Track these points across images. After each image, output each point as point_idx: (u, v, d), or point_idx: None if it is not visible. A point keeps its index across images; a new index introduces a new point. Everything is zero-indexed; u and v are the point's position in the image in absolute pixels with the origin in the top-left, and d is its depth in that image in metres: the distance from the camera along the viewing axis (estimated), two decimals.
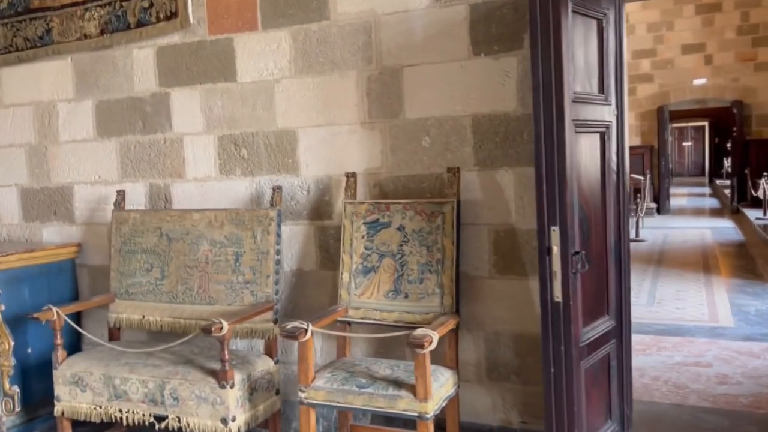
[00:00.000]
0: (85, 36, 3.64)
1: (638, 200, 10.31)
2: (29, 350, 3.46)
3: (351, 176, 3.04)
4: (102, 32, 3.59)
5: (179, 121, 3.49)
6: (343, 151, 3.14)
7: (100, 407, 3.00)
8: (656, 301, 5.97)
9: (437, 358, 2.61)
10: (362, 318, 2.92)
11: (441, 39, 2.89)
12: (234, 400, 2.78)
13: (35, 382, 3.47)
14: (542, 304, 2.34)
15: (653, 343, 4.61)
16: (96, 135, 3.71)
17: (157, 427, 2.89)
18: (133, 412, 2.94)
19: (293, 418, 3.30)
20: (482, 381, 2.96)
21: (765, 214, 10.18)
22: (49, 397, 3.43)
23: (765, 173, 10.45)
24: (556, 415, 2.35)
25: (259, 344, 3.36)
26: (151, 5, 3.44)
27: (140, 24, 3.50)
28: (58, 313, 3.08)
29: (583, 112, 2.43)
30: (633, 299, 3.17)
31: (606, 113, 2.60)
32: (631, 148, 8.46)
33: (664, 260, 8.10)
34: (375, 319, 2.89)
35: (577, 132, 2.38)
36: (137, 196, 3.62)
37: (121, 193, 3.51)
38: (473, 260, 2.91)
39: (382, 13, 2.99)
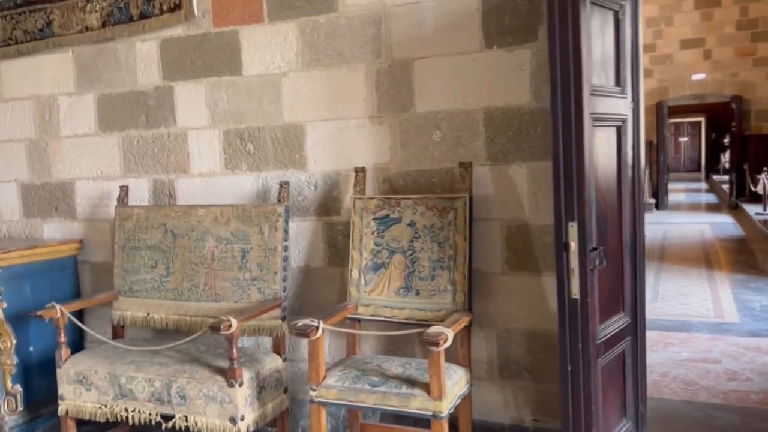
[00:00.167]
0: (87, 28, 3.57)
1: None
2: (31, 348, 3.40)
3: (360, 171, 2.99)
4: (104, 25, 3.52)
5: (183, 116, 3.42)
6: (352, 145, 3.08)
7: (106, 406, 2.95)
8: (660, 296, 5.95)
9: (450, 355, 2.57)
10: (372, 315, 2.87)
11: (452, 31, 2.84)
12: (243, 399, 2.73)
13: (37, 381, 3.42)
14: (559, 301, 2.30)
15: (659, 339, 4.58)
16: (98, 129, 3.64)
17: (163, 426, 2.84)
18: (139, 411, 2.89)
19: (300, 416, 3.26)
20: (494, 379, 2.92)
21: (765, 209, 10.17)
22: (51, 396, 3.38)
23: (765, 168, 10.43)
24: (573, 414, 2.31)
25: (266, 342, 3.32)
26: None
27: (143, 16, 3.43)
28: (61, 310, 3.03)
29: (600, 106, 2.39)
30: None
31: (622, 107, 2.56)
32: None
33: (666, 256, 8.08)
34: (385, 317, 2.85)
35: (594, 126, 2.34)
36: (140, 192, 3.56)
37: (124, 189, 3.45)
38: (485, 256, 2.87)
39: (391, 4, 2.94)
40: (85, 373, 2.98)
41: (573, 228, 2.25)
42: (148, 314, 3.28)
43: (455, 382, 2.54)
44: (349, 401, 2.51)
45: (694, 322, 5.01)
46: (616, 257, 2.56)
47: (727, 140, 18.87)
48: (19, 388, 3.29)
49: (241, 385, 2.72)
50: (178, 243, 3.26)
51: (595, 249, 2.30)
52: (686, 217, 12.04)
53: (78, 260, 3.73)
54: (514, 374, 2.88)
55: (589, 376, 2.30)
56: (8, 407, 3.28)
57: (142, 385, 2.87)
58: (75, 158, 3.72)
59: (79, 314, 3.48)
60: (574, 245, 2.25)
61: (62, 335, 3.04)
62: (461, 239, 2.73)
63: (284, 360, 3.04)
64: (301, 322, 2.56)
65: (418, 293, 2.80)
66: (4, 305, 3.25)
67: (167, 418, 2.84)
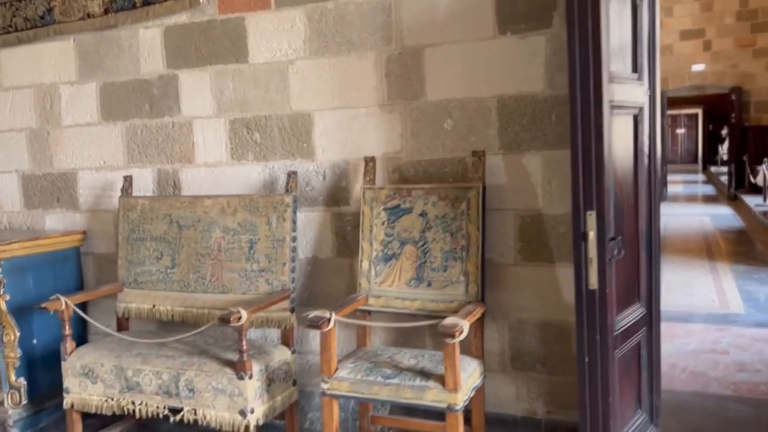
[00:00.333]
0: (89, 15, 3.50)
1: None
2: (35, 341, 3.35)
3: (370, 161, 2.94)
4: (106, 11, 3.45)
5: (188, 104, 3.36)
6: (361, 134, 3.03)
7: (112, 399, 2.90)
8: (664, 288, 5.91)
9: (463, 347, 2.52)
10: (383, 307, 2.83)
11: (465, 17, 2.79)
12: (252, 392, 2.69)
13: (41, 374, 3.37)
14: (577, 292, 2.26)
15: (666, 330, 4.51)
16: (100, 119, 3.58)
17: (171, 419, 2.80)
18: (146, 404, 2.84)
19: (309, 409, 3.22)
20: (506, 370, 2.88)
21: (765, 200, 10.17)
22: (55, 389, 3.33)
23: (765, 159, 10.41)
24: (590, 406, 2.28)
25: (273, 334, 3.28)
26: None
27: (146, 3, 3.36)
28: (66, 302, 2.98)
29: (618, 93, 2.34)
30: None
31: (639, 94, 2.51)
32: None
33: (667, 247, 8.05)
34: (396, 308, 2.81)
35: (612, 113, 2.29)
36: (144, 182, 3.50)
37: (128, 179, 3.39)
38: (498, 247, 2.83)
39: None
40: (91, 366, 2.93)
41: (592, 217, 2.21)
42: (154, 306, 3.23)
43: (469, 374, 2.50)
44: (362, 394, 2.48)
45: (700, 314, 4.99)
46: (632, 247, 2.52)
47: (724, 132, 18.89)
48: (23, 381, 3.25)
49: (250, 377, 2.68)
50: (184, 234, 3.21)
51: (613, 239, 2.27)
52: (685, 209, 12.03)
53: (81, 252, 3.68)
54: (527, 366, 2.85)
55: (606, 368, 2.27)
56: (12, 400, 3.24)
57: (149, 377, 2.83)
58: (77, 148, 3.66)
59: (83, 306, 3.43)
60: (592, 235, 2.21)
61: (67, 327, 2.99)
62: (474, 229, 2.68)
63: (293, 352, 3.00)
64: (312, 314, 2.52)
65: (429, 284, 2.76)
66: (7, 297, 3.21)
67: (175, 411, 2.80)
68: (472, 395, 2.53)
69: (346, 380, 2.50)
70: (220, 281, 3.12)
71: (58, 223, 3.77)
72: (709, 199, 13.84)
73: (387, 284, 2.83)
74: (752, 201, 10.72)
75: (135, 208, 3.32)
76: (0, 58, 3.78)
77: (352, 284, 3.10)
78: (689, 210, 11.78)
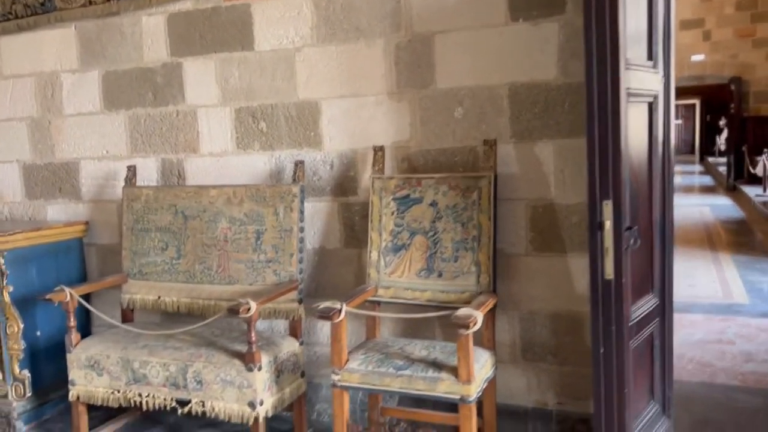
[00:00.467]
0: (90, 2, 3.44)
1: None
2: (38, 333, 3.32)
3: (379, 150, 2.90)
4: None
5: (193, 93, 3.31)
6: (369, 123, 2.99)
7: (118, 391, 2.87)
8: None
9: (474, 338, 2.48)
10: (393, 297, 2.80)
11: (476, 3, 2.74)
12: (262, 383, 2.66)
13: (45, 366, 3.34)
14: (592, 283, 2.24)
15: None
16: (103, 108, 3.53)
17: (179, 411, 2.77)
18: (153, 396, 2.81)
19: (316, 400, 3.20)
20: (517, 362, 2.86)
21: (765, 191, 10.16)
22: (59, 381, 3.31)
23: (765, 150, 10.40)
24: (605, 398, 2.26)
25: (279, 325, 3.25)
26: None
27: None
28: (71, 294, 2.94)
29: (633, 81, 2.30)
30: None
31: (654, 82, 2.47)
32: None
33: None
34: (406, 299, 2.78)
35: (628, 101, 2.26)
36: (148, 172, 3.46)
37: (131, 169, 3.35)
38: (509, 237, 2.80)
39: None
40: (97, 358, 2.90)
41: (608, 206, 2.18)
42: (159, 297, 3.19)
43: (482, 366, 2.48)
44: (374, 385, 2.45)
45: (704, 304, 4.98)
46: (646, 237, 2.49)
47: (722, 122, 18.88)
48: (27, 373, 3.21)
49: (260, 369, 2.65)
50: (190, 224, 3.17)
51: (629, 228, 2.24)
52: (685, 199, 12.02)
53: (84, 242, 3.63)
54: (538, 357, 2.83)
55: (622, 359, 2.25)
56: (16, 393, 3.21)
57: (156, 369, 2.80)
58: (79, 137, 3.61)
59: (86, 298, 3.38)
60: (608, 224, 2.18)
61: (72, 319, 2.95)
62: (486, 219, 2.65)
63: (301, 343, 2.97)
64: (323, 305, 2.49)
65: (440, 275, 2.73)
66: (11, 289, 3.17)
67: (183, 403, 2.77)
68: (484, 386, 2.51)
69: (357, 372, 2.47)
70: (227, 272, 3.08)
71: (60, 214, 3.72)
72: (707, 190, 13.84)
73: (397, 275, 2.80)
74: (752, 191, 10.72)
75: (139, 198, 3.28)
76: (0, 46, 3.72)
77: (360, 275, 3.07)
78: (688, 201, 11.77)
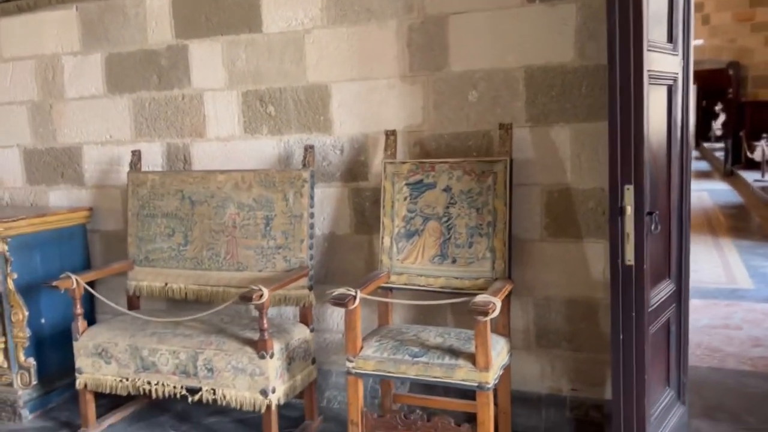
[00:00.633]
0: None
1: None
2: (43, 320, 3.27)
3: (391, 134, 2.85)
4: None
5: (199, 76, 3.25)
6: (381, 107, 2.94)
7: (127, 379, 2.84)
8: None
9: (490, 325, 2.47)
10: (405, 284, 2.77)
11: None
12: (274, 371, 2.63)
13: (50, 354, 3.30)
14: (612, 268, 2.20)
15: None
16: (106, 91, 3.46)
17: (190, 399, 2.74)
18: (163, 384, 2.78)
19: (326, 387, 3.18)
20: (530, 348, 2.84)
21: (763, 176, 10.17)
22: (64, 369, 3.28)
23: (764, 135, 10.39)
24: (624, 384, 2.23)
25: (288, 312, 3.22)
26: None
27: None
28: (77, 281, 2.89)
29: (654, 63, 2.26)
30: None
31: (674, 64, 2.43)
32: None
33: None
34: (419, 285, 2.74)
35: (649, 84, 2.22)
36: (153, 157, 3.40)
37: (136, 154, 3.29)
38: (523, 222, 2.76)
39: None
40: (105, 346, 2.86)
41: (629, 191, 2.14)
42: (166, 284, 3.15)
43: (498, 353, 2.45)
44: (390, 373, 2.42)
45: (708, 289, 4.98)
46: (664, 222, 2.46)
47: (718, 107, 18.86)
48: (32, 361, 3.17)
49: (272, 356, 2.62)
50: (197, 210, 3.12)
51: (650, 213, 2.20)
52: None
53: (87, 229, 3.58)
54: (552, 343, 2.80)
55: (642, 346, 2.22)
56: (22, 381, 3.17)
57: (165, 357, 2.76)
58: (81, 122, 3.54)
59: (90, 285, 3.34)
60: (630, 209, 2.14)
61: (78, 306, 2.91)
62: (501, 205, 2.61)
63: (311, 330, 2.94)
64: (337, 292, 2.45)
65: (454, 261, 2.69)
66: (15, 276, 3.12)
67: (193, 391, 2.74)
68: (500, 374, 2.48)
69: (372, 359, 2.44)
70: (235, 258, 3.04)
71: (63, 200, 3.66)
72: (704, 175, 13.83)
73: (410, 261, 2.76)
74: (750, 176, 10.73)
75: (145, 183, 3.22)
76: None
77: (371, 261, 3.03)
78: None
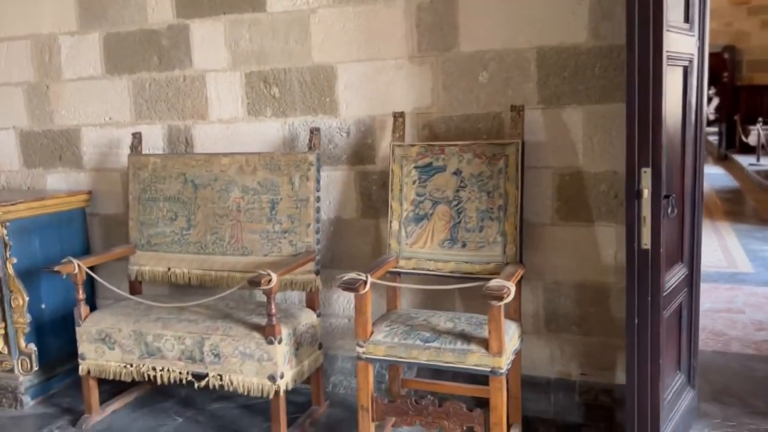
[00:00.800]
0: None
1: None
2: (43, 306, 3.22)
3: (399, 116, 2.80)
4: None
5: (201, 57, 3.18)
6: (388, 88, 2.88)
7: (131, 365, 2.80)
8: None
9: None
10: (414, 268, 2.73)
11: None
12: (282, 356, 2.60)
13: (51, 339, 3.25)
14: (628, 252, 2.18)
15: None
16: (105, 72, 3.38)
17: (196, 385, 2.71)
18: (168, 370, 2.75)
19: (332, 372, 3.15)
20: (540, 332, 2.82)
21: (758, 159, 10.19)
22: (65, 355, 3.24)
23: (759, 119, 10.40)
24: (638, 369, 2.22)
25: (293, 297, 3.18)
26: None
27: None
28: (79, 265, 2.84)
29: (672, 44, 2.22)
30: None
31: (690, 45, 2.39)
32: None
33: None
34: (429, 270, 2.71)
35: (666, 65, 2.18)
36: (154, 139, 3.33)
37: (137, 136, 3.22)
38: (533, 206, 2.73)
39: None
40: (108, 332, 2.82)
41: (647, 174, 2.11)
42: (169, 269, 3.10)
43: (510, 337, 2.42)
44: (401, 357, 2.39)
45: (709, 272, 4.96)
46: (679, 205, 2.44)
47: (711, 91, 18.84)
48: (33, 347, 3.13)
49: (280, 342, 2.58)
50: (200, 194, 3.06)
51: (667, 197, 2.18)
52: None
53: (87, 212, 3.51)
54: (562, 328, 2.78)
55: (657, 330, 2.20)
56: (23, 367, 3.13)
57: (170, 343, 2.72)
58: (79, 103, 3.46)
59: (91, 270, 3.29)
60: (647, 193, 2.11)
61: (81, 292, 2.86)
62: (513, 188, 2.58)
63: (318, 315, 2.91)
64: (347, 276, 2.41)
65: (464, 245, 2.66)
66: (14, 261, 3.06)
67: (199, 376, 2.71)
68: (512, 358, 2.46)
69: (383, 344, 2.41)
70: (240, 243, 2.99)
71: (61, 183, 3.59)
72: None
73: (418, 245, 2.73)
74: (744, 160, 10.74)
75: (146, 166, 3.16)
76: None
77: (378, 246, 2.99)
78: None
